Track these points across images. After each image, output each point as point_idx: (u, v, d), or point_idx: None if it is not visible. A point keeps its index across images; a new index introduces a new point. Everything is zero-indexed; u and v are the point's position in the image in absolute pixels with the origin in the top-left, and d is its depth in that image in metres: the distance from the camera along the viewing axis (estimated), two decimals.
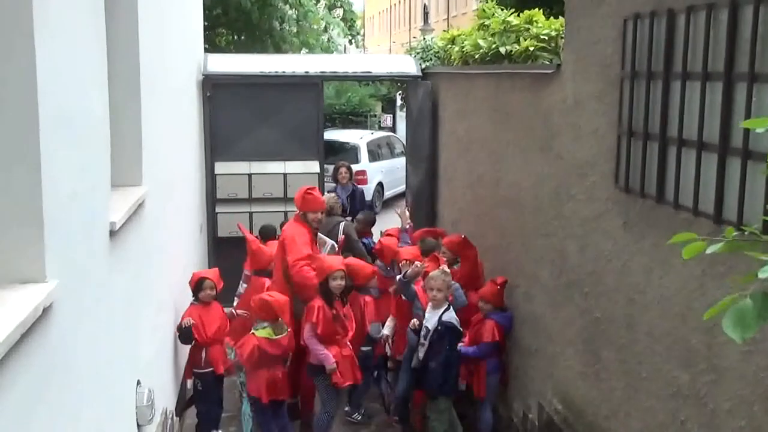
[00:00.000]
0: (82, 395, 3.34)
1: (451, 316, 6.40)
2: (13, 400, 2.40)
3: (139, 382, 4.70)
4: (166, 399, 5.93)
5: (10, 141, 2.66)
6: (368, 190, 16.86)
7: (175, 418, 6.32)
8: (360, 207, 10.66)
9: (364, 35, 34.84)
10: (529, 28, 7.54)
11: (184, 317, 6.68)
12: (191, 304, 6.85)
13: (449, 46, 10.08)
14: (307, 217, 6.98)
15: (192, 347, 6.79)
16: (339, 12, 22.81)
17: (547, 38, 7.14)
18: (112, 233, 3.94)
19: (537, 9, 7.94)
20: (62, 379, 3.00)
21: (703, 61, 3.71)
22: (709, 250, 1.75)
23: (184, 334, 6.59)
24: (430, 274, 6.51)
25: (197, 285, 6.83)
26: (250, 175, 10.30)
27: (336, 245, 7.60)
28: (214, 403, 6.98)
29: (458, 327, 6.44)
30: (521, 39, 7.42)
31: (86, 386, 3.43)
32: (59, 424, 2.93)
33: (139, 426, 4.67)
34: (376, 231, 9.72)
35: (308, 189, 7.07)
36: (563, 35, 6.06)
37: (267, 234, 8.42)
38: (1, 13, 2.60)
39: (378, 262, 7.74)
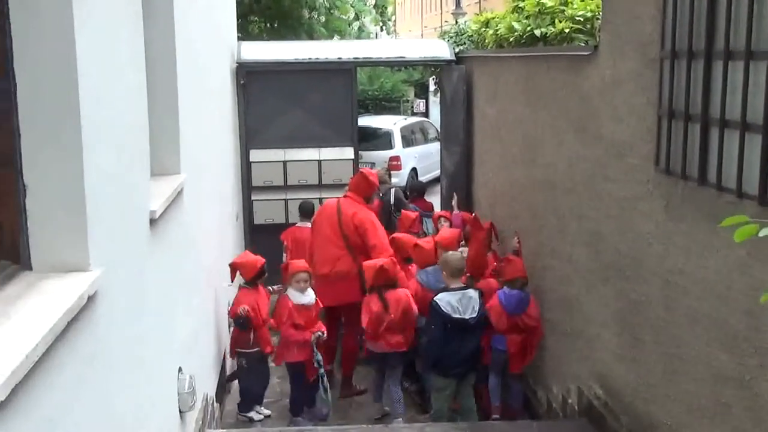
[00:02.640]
0: (125, 383, 3.38)
1: (439, 297, 6.30)
2: (59, 387, 2.44)
3: (180, 369, 4.75)
4: (206, 385, 5.99)
5: (51, 128, 2.68)
6: (402, 176, 16.84)
7: (215, 403, 6.39)
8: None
9: (395, 21, 34.65)
10: (564, 10, 7.45)
11: (237, 304, 6.73)
12: (241, 288, 6.93)
13: (483, 29, 10.01)
14: (370, 199, 7.72)
15: (235, 328, 6.88)
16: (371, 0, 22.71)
17: (582, 20, 7.06)
18: (153, 221, 3.97)
19: None
20: (106, 366, 3.04)
21: (746, 38, 3.63)
22: (761, 233, 1.72)
23: (241, 321, 6.67)
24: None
25: (261, 272, 6.94)
26: (285, 163, 10.32)
27: None
28: (258, 381, 7.10)
29: (437, 309, 6.23)
30: (556, 21, 7.34)
31: (129, 373, 3.47)
32: (102, 410, 2.97)
33: (181, 412, 4.73)
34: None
35: (367, 170, 7.90)
36: (599, 16, 5.98)
37: (306, 211, 8.67)
38: None
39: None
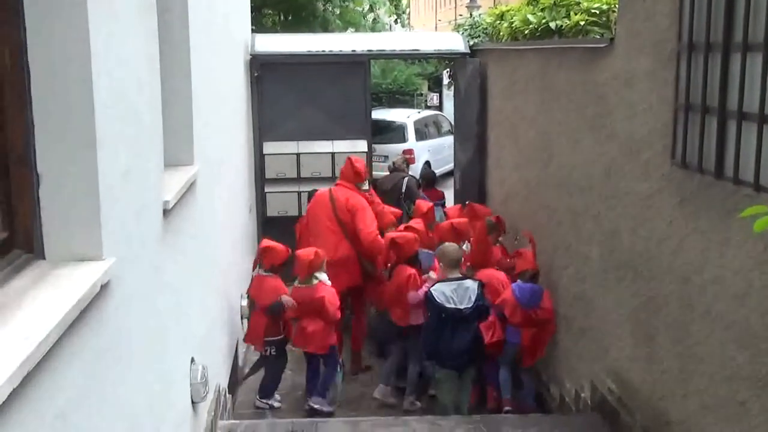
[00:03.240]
0: (137, 372, 3.38)
1: (434, 287, 6.37)
2: (71, 376, 2.44)
3: (193, 360, 4.76)
4: (218, 376, 6.00)
5: (65, 119, 2.68)
6: (416, 169, 16.80)
7: (228, 394, 6.40)
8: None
9: (409, 14, 34.58)
10: (579, 2, 7.38)
11: (268, 291, 6.96)
12: (262, 275, 7.11)
13: (498, 22, 9.95)
14: (361, 188, 7.86)
15: (262, 317, 7.00)
16: None
17: (598, 12, 6.98)
18: (166, 212, 3.97)
19: None
20: (118, 356, 3.04)
21: (765, 30, 3.58)
22: None
23: (276, 309, 6.88)
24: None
25: (288, 260, 7.14)
26: (298, 155, 10.33)
27: None
28: (282, 368, 7.31)
29: (432, 299, 6.29)
30: (572, 13, 7.28)
31: (142, 363, 3.47)
32: (115, 401, 2.97)
33: (193, 403, 4.73)
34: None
35: (355, 159, 8.00)
36: (615, 8, 5.93)
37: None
38: None
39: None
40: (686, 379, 4.46)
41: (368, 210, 7.76)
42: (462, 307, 6.22)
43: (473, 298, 6.26)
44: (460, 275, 6.48)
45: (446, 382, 6.49)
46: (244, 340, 7.44)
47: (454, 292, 6.25)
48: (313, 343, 6.93)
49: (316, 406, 6.96)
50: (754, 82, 3.71)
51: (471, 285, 6.34)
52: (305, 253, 7.00)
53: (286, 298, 6.87)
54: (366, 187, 8.23)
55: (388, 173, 10.89)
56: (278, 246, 7.14)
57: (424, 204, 8.69)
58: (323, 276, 6.99)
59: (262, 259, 7.17)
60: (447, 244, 6.84)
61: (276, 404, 7.20)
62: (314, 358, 7.16)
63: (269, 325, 6.99)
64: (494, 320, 6.78)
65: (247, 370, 7.64)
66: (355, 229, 7.65)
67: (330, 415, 6.93)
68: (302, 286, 6.96)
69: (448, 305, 6.20)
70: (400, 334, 7.35)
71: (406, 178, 10.18)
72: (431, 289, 6.32)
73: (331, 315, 6.85)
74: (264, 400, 7.17)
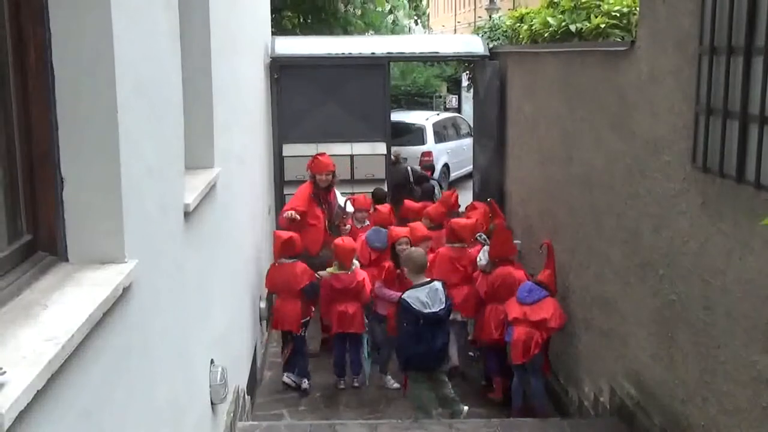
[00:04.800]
0: (158, 374, 3.40)
1: (407, 294, 6.40)
2: (94, 378, 2.46)
3: (212, 361, 4.78)
4: (238, 377, 6.02)
5: (89, 121, 2.70)
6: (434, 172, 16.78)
7: (246, 396, 6.43)
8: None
9: (428, 16, 34.54)
10: (600, 5, 7.38)
11: (311, 275, 7.52)
12: (284, 263, 7.51)
13: (518, 24, 9.94)
14: (315, 178, 8.14)
15: (294, 301, 7.44)
16: None
17: (618, 15, 6.97)
18: (187, 214, 3.99)
19: None
20: (140, 358, 3.06)
21: None
22: None
23: (310, 289, 7.45)
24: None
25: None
26: None
27: (344, 204, 8.68)
28: (307, 353, 7.80)
29: (408, 307, 6.31)
30: (592, 16, 7.27)
31: (163, 365, 3.49)
32: (136, 401, 2.99)
33: (213, 404, 4.76)
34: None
35: (318, 154, 8.25)
36: (635, 11, 5.91)
37: (379, 198, 9.54)
38: None
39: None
40: (708, 382, 4.44)
41: (298, 194, 8.25)
42: (437, 309, 6.31)
43: (443, 299, 6.37)
44: (427, 279, 6.55)
45: (423, 381, 6.57)
46: (274, 326, 7.82)
47: (428, 296, 6.34)
48: (354, 324, 7.42)
49: (356, 384, 7.68)
50: None
51: (439, 287, 6.45)
52: (347, 242, 7.46)
53: (325, 273, 7.43)
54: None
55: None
56: (296, 235, 7.57)
57: (449, 196, 9.28)
58: (357, 263, 7.49)
59: (285, 248, 7.47)
60: (413, 249, 7.03)
61: (305, 384, 7.60)
62: (347, 339, 7.56)
63: (304, 308, 7.51)
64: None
65: (266, 371, 7.88)
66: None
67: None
68: (341, 272, 7.38)
69: (425, 310, 6.27)
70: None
71: (409, 168, 11.36)
72: (406, 298, 6.34)
73: (367, 297, 7.44)
74: (296, 381, 7.60)
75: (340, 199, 8.33)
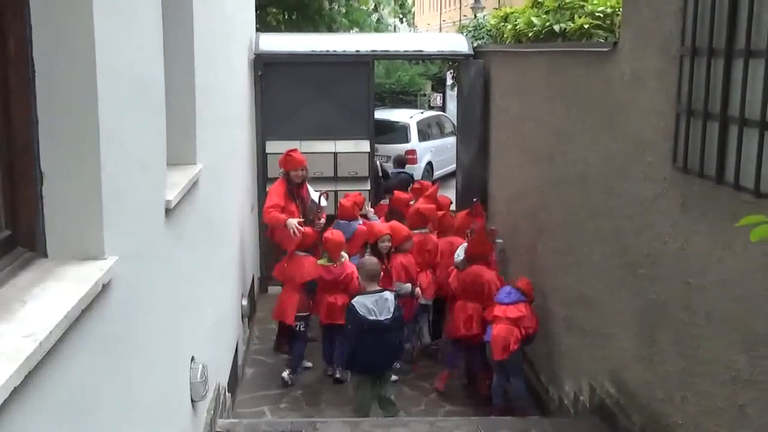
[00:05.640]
0: (138, 371, 3.39)
1: (355, 300, 6.59)
2: (73, 374, 2.44)
3: (193, 358, 4.76)
4: (218, 375, 6.01)
5: (69, 116, 2.67)
6: (418, 170, 16.80)
7: (227, 393, 6.41)
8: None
9: (413, 15, 34.54)
10: (583, 5, 7.41)
11: (302, 267, 7.65)
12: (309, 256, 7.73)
13: (502, 24, 9.97)
14: (289, 174, 8.06)
15: (295, 294, 7.64)
16: None
17: (602, 15, 7.01)
18: (168, 211, 3.97)
19: None
20: (119, 356, 3.04)
21: None
22: None
23: (310, 285, 7.65)
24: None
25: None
26: None
27: (318, 198, 8.46)
28: (306, 340, 7.96)
29: (354, 312, 6.50)
30: (576, 16, 7.30)
31: (142, 363, 3.47)
32: (116, 398, 2.98)
33: (193, 402, 4.74)
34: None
35: (289, 150, 8.21)
36: (619, 12, 5.94)
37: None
38: None
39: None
40: (687, 382, 4.47)
41: (273, 191, 8.14)
42: (382, 318, 6.45)
43: (392, 309, 6.51)
44: (379, 288, 6.73)
45: (366, 382, 6.73)
46: (272, 316, 7.99)
47: (375, 304, 6.48)
48: (341, 316, 7.30)
49: (338, 375, 7.75)
50: (755, 88, 3.71)
51: (389, 297, 6.59)
52: (336, 235, 7.66)
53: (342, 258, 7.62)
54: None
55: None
56: (308, 229, 7.67)
57: (424, 187, 9.21)
58: (345, 255, 7.67)
59: (300, 242, 7.61)
60: (366, 258, 7.27)
61: (307, 364, 8.01)
62: (335, 330, 7.56)
63: (302, 301, 7.67)
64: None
65: (247, 368, 7.89)
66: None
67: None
68: (331, 264, 7.58)
69: (369, 317, 6.43)
70: None
71: (378, 163, 11.61)
72: (353, 302, 6.54)
73: (355, 289, 7.29)
74: (291, 375, 7.77)
75: (313, 194, 8.31)
